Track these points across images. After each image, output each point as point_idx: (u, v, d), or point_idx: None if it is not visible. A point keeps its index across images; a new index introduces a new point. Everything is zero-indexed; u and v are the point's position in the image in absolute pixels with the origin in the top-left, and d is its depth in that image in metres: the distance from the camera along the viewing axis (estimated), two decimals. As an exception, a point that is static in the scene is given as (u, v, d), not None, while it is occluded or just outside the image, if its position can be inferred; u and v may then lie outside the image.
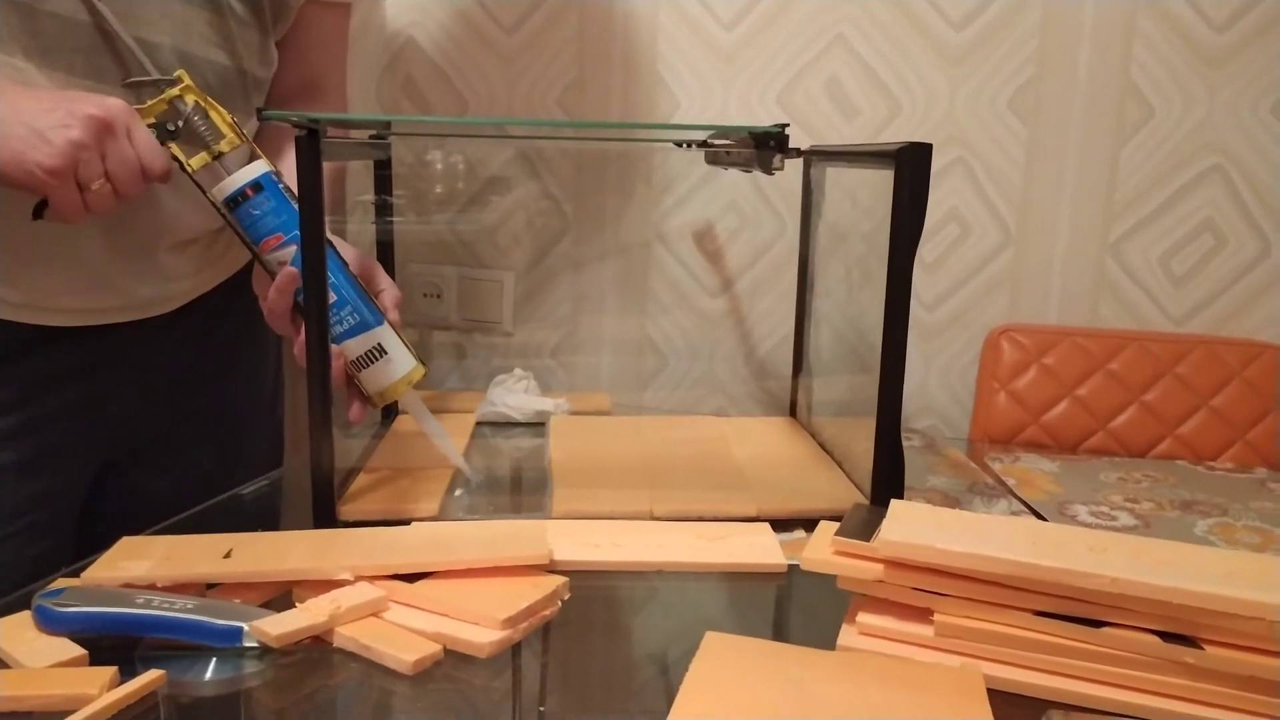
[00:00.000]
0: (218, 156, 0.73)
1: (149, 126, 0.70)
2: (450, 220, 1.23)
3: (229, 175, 0.73)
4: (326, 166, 0.87)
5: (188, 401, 0.91)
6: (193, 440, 0.92)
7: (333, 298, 0.74)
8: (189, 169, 0.73)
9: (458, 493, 0.82)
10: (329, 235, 0.77)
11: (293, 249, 0.74)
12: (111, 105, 0.66)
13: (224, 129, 0.73)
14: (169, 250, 0.84)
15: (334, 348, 0.75)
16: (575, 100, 1.19)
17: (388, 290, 0.81)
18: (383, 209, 1.02)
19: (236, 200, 0.74)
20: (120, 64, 0.74)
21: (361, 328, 0.76)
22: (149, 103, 0.71)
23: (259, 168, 0.74)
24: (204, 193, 0.74)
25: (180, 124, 0.72)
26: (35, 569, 0.79)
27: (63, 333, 0.79)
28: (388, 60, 1.20)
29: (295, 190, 0.71)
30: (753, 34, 1.16)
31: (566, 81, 1.19)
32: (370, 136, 0.99)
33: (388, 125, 0.95)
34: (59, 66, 0.71)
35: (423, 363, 0.79)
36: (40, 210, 0.68)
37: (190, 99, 0.72)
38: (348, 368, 0.77)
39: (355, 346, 0.76)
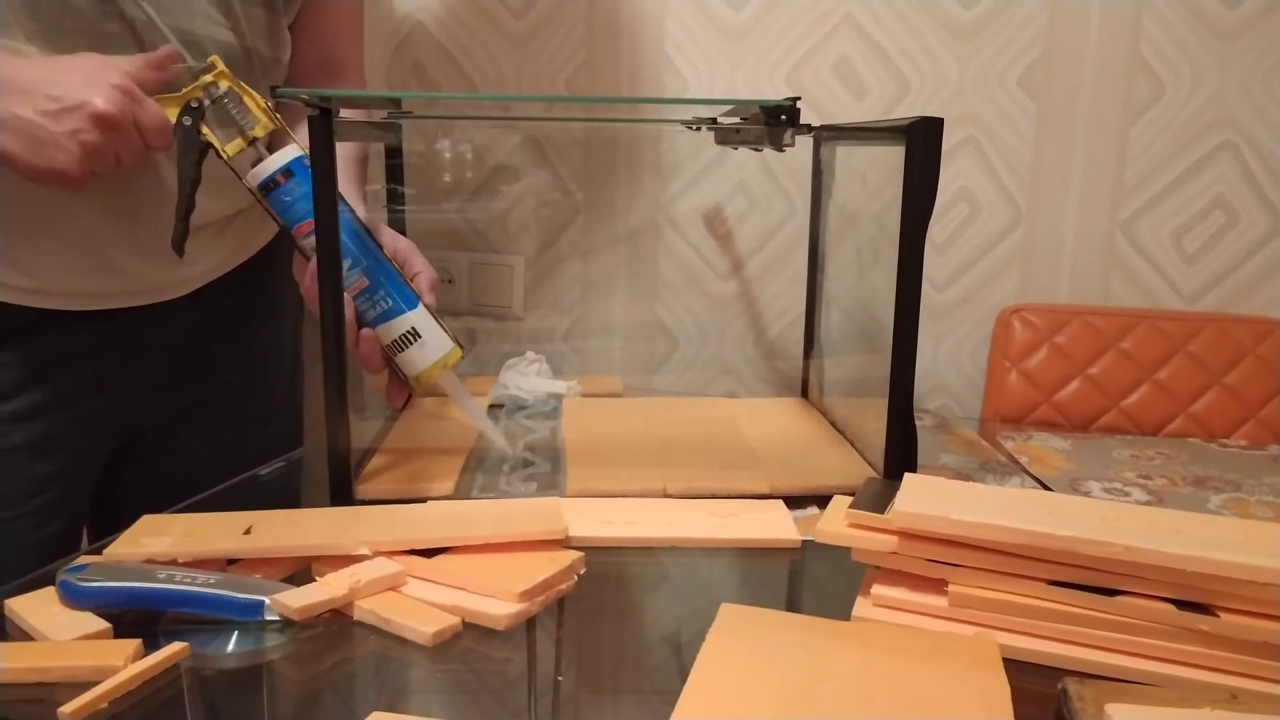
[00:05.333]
0: (252, 142, 0.73)
1: (189, 110, 0.71)
2: (460, 207, 1.24)
3: (262, 161, 0.74)
4: (350, 148, 0.88)
5: (202, 384, 0.91)
6: (209, 423, 0.92)
7: (366, 282, 0.75)
8: (224, 156, 0.73)
9: (470, 478, 0.82)
10: (365, 219, 0.79)
11: None
12: (115, 99, 0.66)
13: (258, 114, 0.73)
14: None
15: (368, 332, 0.76)
16: (584, 82, 1.19)
17: (424, 273, 0.81)
18: (394, 196, 1.02)
19: (268, 186, 0.74)
20: (123, 44, 0.73)
21: (395, 312, 0.76)
22: (183, 90, 0.71)
23: (290, 153, 0.74)
24: (239, 178, 0.74)
25: (208, 107, 0.72)
26: (48, 549, 0.80)
27: (70, 315, 0.80)
28: (396, 45, 1.20)
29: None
30: (761, 14, 1.15)
31: (575, 64, 1.19)
32: (383, 118, 0.99)
33: (398, 103, 0.95)
34: (60, 49, 0.71)
35: (460, 345, 0.79)
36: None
37: (224, 84, 0.72)
38: (384, 351, 0.77)
39: (389, 331, 0.77)
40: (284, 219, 0.75)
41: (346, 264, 0.75)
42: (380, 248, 0.78)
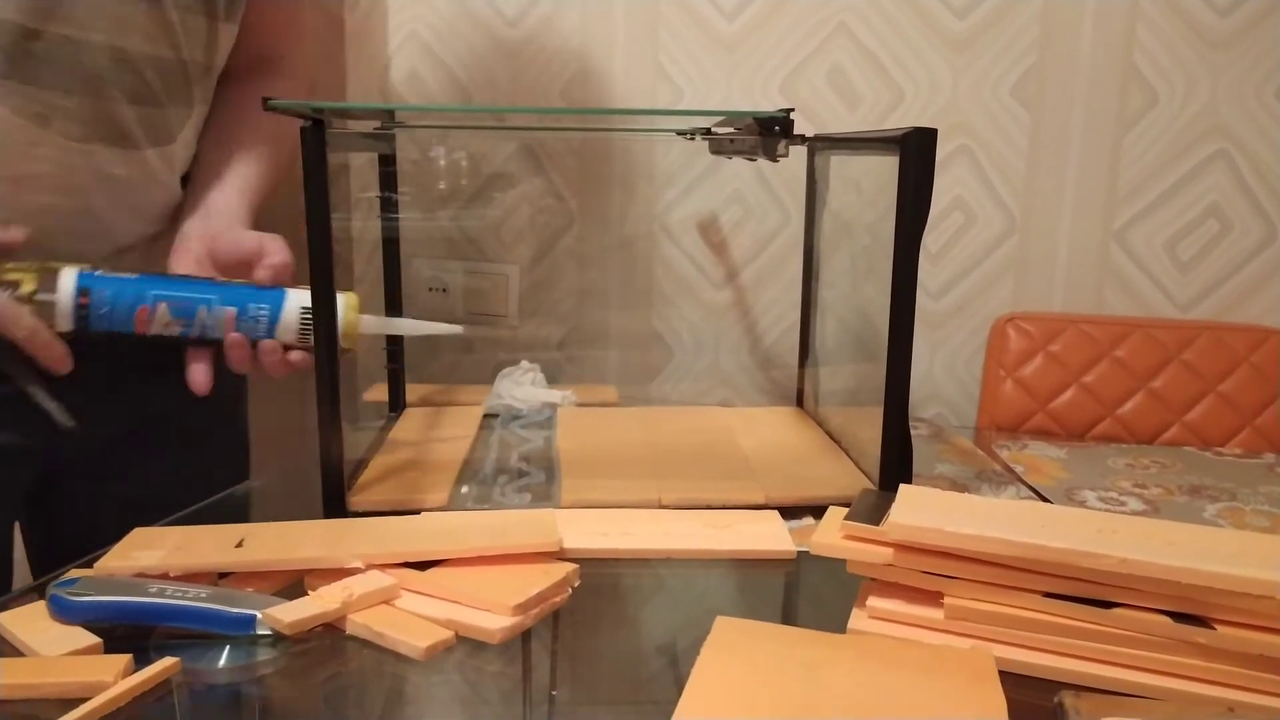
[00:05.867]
0: (32, 297, 0.69)
1: None
2: (455, 215, 1.23)
3: (57, 304, 0.70)
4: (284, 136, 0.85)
5: (135, 410, 0.87)
6: (143, 449, 0.88)
7: (233, 310, 0.73)
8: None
9: (464, 489, 0.82)
10: (181, 271, 0.75)
11: (164, 305, 0.72)
12: None
13: (14, 276, 0.69)
14: (105, 258, 0.78)
15: (268, 344, 0.74)
16: (579, 92, 1.19)
17: (277, 254, 0.77)
18: (387, 205, 1.02)
19: (82, 317, 0.71)
20: (47, 65, 0.70)
21: (276, 312, 0.74)
22: None
23: (69, 278, 0.70)
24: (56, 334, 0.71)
25: None
26: None
27: None
28: (390, 55, 1.20)
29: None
30: (755, 23, 1.16)
31: (570, 74, 1.19)
32: (375, 129, 0.99)
33: (392, 115, 0.95)
34: None
35: (349, 287, 0.77)
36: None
37: None
38: (296, 345, 0.76)
39: (287, 329, 0.75)
40: (121, 330, 0.72)
41: (204, 310, 0.73)
42: (214, 277, 0.75)
